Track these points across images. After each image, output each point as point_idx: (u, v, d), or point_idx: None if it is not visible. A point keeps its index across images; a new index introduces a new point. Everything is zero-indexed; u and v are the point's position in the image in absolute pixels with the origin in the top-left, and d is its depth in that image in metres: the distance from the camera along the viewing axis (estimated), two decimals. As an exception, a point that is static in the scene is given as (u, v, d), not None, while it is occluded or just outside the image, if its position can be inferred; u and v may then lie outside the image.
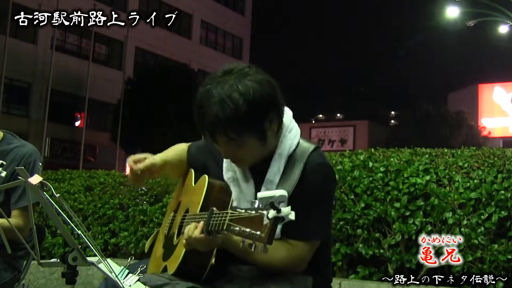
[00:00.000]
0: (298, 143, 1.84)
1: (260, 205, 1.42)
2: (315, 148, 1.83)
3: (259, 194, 1.43)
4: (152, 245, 2.21)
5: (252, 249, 1.42)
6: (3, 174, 2.49)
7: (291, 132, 1.85)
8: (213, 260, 1.76)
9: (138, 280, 1.66)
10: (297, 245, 1.75)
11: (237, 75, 1.71)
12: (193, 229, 1.66)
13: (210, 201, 1.78)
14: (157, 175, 2.04)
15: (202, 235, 1.63)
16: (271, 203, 1.38)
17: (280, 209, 1.37)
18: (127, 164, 1.98)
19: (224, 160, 1.90)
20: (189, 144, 2.17)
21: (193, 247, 1.68)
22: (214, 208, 1.63)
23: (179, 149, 2.14)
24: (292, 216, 1.38)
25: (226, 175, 1.88)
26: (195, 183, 1.99)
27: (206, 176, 1.86)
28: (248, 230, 1.40)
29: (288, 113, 1.87)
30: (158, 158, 2.02)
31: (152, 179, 5.21)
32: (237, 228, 1.43)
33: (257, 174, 1.83)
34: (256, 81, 1.70)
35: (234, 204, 1.81)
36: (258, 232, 1.38)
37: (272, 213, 1.37)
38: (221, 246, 1.71)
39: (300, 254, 1.76)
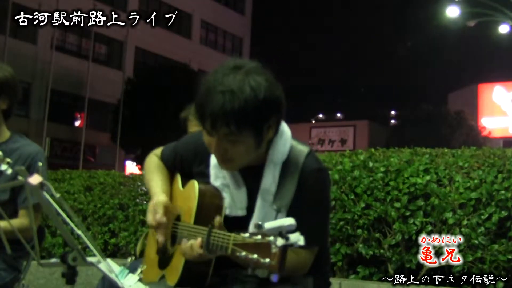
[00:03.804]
0: (291, 147, 1.80)
1: (267, 232, 1.34)
2: (309, 152, 1.79)
3: (267, 225, 1.34)
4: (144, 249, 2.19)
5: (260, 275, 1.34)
6: (9, 171, 2.49)
7: (282, 137, 1.79)
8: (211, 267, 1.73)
9: (139, 280, 1.66)
10: (298, 252, 1.70)
11: (249, 70, 1.66)
12: (193, 248, 1.61)
13: (203, 209, 1.74)
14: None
15: (202, 251, 1.59)
16: (280, 233, 1.31)
17: (288, 237, 1.30)
18: (152, 218, 1.83)
19: (212, 166, 1.83)
20: (158, 153, 2.07)
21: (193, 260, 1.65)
22: (211, 225, 1.58)
23: (157, 167, 2.04)
24: (301, 242, 1.31)
25: (215, 182, 1.81)
26: (183, 187, 1.92)
27: (195, 182, 1.80)
28: (255, 256, 1.32)
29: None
30: (160, 193, 1.89)
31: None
32: (243, 254, 1.36)
33: (249, 181, 1.78)
34: (267, 81, 1.65)
35: (227, 212, 1.76)
36: (268, 260, 1.30)
37: (280, 241, 1.30)
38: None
39: (303, 261, 1.74)
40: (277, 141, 1.77)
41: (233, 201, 1.78)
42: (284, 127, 1.81)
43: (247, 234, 1.37)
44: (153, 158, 2.08)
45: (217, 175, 1.82)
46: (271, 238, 1.30)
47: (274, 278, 1.33)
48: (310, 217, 1.71)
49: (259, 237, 1.33)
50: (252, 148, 1.68)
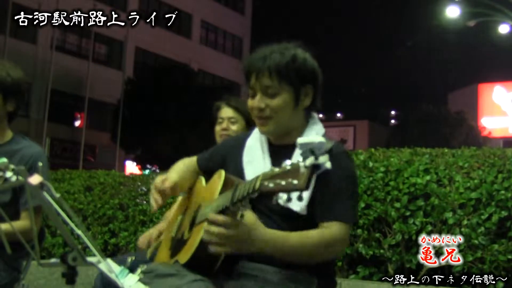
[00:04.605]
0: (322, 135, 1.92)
1: (298, 154, 1.40)
2: (336, 142, 1.90)
3: (299, 140, 1.40)
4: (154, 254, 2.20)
5: (287, 203, 1.41)
6: (14, 178, 2.48)
7: (318, 124, 1.98)
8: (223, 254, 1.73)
9: (139, 280, 1.66)
10: (330, 226, 1.76)
11: (293, 45, 1.92)
12: (212, 219, 1.60)
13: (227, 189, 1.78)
14: (177, 193, 2.07)
15: (222, 217, 1.58)
16: (310, 149, 1.36)
17: (318, 156, 1.35)
18: (154, 186, 2.00)
19: (246, 147, 1.97)
20: (195, 157, 2.20)
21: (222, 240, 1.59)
22: (238, 183, 1.66)
23: (187, 162, 2.19)
24: (328, 164, 1.36)
25: (245, 158, 1.94)
26: (206, 183, 2.00)
27: (222, 170, 1.89)
28: (284, 182, 1.37)
29: (315, 115, 2.02)
30: (174, 174, 2.07)
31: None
32: (272, 184, 1.40)
33: (279, 159, 1.82)
34: (311, 57, 1.92)
35: None
36: (296, 181, 1.35)
37: (310, 159, 1.34)
38: (251, 239, 1.63)
39: (334, 234, 1.76)
40: (312, 125, 1.96)
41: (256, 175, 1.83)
42: (320, 123, 2.00)
43: (276, 168, 1.42)
44: (186, 158, 2.22)
45: (247, 152, 1.97)
46: (301, 163, 1.36)
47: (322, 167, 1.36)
48: (341, 192, 1.79)
49: (288, 167, 1.39)
50: (289, 106, 1.87)
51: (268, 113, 1.86)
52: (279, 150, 1.90)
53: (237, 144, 2.03)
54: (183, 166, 2.16)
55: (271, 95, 1.85)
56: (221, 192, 1.79)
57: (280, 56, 1.85)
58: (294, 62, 1.85)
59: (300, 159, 1.38)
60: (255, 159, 1.92)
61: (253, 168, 1.89)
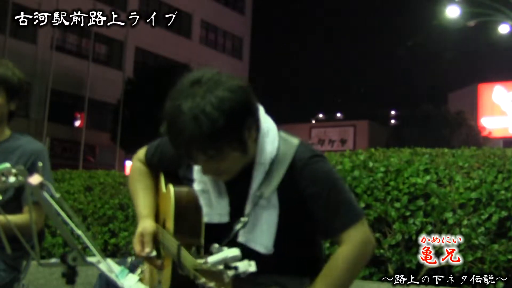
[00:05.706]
0: (279, 143, 1.73)
1: (212, 267, 1.31)
2: (299, 144, 1.73)
3: (210, 259, 1.30)
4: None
5: None
6: (16, 184, 2.48)
7: (269, 135, 1.72)
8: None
9: (139, 280, 1.66)
10: (350, 234, 1.70)
11: (208, 85, 1.56)
12: None
13: (181, 214, 1.72)
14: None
15: None
16: (225, 265, 1.29)
17: (237, 267, 1.28)
18: (138, 254, 1.84)
19: (195, 171, 1.76)
20: (141, 155, 2.02)
21: None
22: (180, 244, 1.57)
23: (140, 175, 2.00)
24: (252, 267, 1.30)
25: (197, 187, 1.76)
26: (165, 188, 1.88)
27: (171, 187, 1.76)
28: (212, 284, 1.30)
29: (260, 111, 1.71)
30: (146, 218, 1.87)
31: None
32: (203, 280, 1.33)
33: (236, 184, 1.72)
34: (229, 90, 1.55)
35: (206, 219, 1.72)
36: None
37: (231, 272, 1.28)
38: None
39: (360, 237, 1.72)
40: (264, 141, 1.70)
41: (211, 208, 1.73)
42: (269, 123, 1.75)
43: (202, 260, 1.34)
44: (137, 165, 2.02)
45: (199, 180, 1.76)
46: (224, 270, 1.28)
47: None
48: (333, 203, 1.69)
49: (213, 268, 1.30)
50: (239, 157, 1.64)
51: (221, 171, 1.65)
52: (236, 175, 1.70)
53: (184, 157, 1.75)
54: (143, 190, 1.95)
55: (215, 161, 1.60)
56: (176, 214, 1.71)
57: (202, 124, 1.51)
58: (222, 120, 1.51)
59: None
60: (211, 191, 1.73)
61: (209, 202, 1.74)
